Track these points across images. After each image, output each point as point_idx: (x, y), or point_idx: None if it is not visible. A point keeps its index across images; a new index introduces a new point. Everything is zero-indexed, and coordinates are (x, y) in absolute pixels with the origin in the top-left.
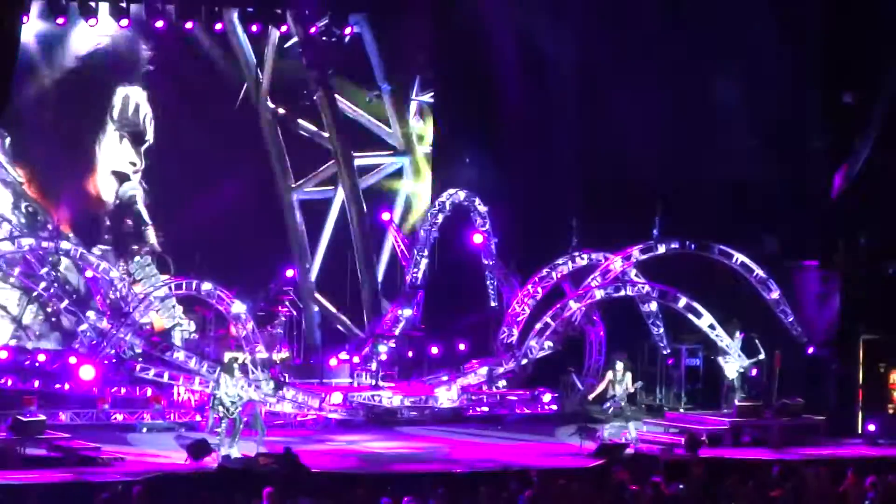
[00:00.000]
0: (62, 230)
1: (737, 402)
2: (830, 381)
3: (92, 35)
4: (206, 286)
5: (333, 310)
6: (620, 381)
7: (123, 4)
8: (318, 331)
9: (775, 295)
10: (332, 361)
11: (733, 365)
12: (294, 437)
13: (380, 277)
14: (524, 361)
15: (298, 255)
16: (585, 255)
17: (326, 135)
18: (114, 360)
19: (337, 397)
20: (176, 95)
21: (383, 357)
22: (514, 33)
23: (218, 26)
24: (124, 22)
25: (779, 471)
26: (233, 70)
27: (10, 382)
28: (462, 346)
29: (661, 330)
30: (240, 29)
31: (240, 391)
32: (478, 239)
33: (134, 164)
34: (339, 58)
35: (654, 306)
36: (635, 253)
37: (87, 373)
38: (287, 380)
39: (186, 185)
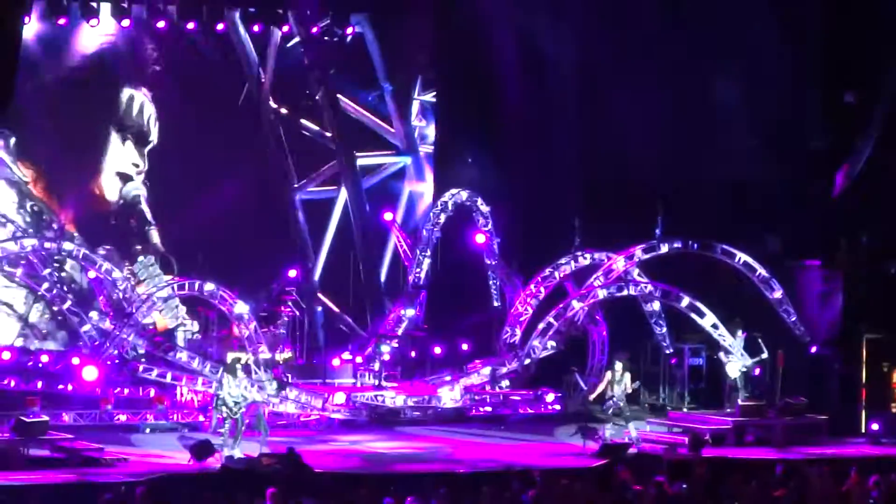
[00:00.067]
0: (67, 229)
1: (740, 402)
2: (833, 380)
3: (95, 36)
4: (209, 286)
5: (336, 310)
6: (619, 381)
7: (125, 5)
8: (321, 331)
9: (778, 294)
10: (335, 361)
11: (736, 364)
12: (297, 437)
13: (382, 277)
14: (527, 361)
15: (301, 255)
16: (588, 255)
17: (328, 134)
18: (117, 361)
19: (340, 397)
20: (178, 96)
21: (386, 357)
22: (514, 33)
23: (220, 26)
24: (125, 23)
25: (782, 470)
26: (235, 70)
27: (13, 383)
28: (465, 346)
29: (664, 329)
30: (241, 29)
31: (243, 391)
32: (480, 239)
33: (137, 166)
34: (340, 58)
35: (656, 306)
36: (638, 252)
37: (90, 373)
38: (290, 380)
39: (189, 185)
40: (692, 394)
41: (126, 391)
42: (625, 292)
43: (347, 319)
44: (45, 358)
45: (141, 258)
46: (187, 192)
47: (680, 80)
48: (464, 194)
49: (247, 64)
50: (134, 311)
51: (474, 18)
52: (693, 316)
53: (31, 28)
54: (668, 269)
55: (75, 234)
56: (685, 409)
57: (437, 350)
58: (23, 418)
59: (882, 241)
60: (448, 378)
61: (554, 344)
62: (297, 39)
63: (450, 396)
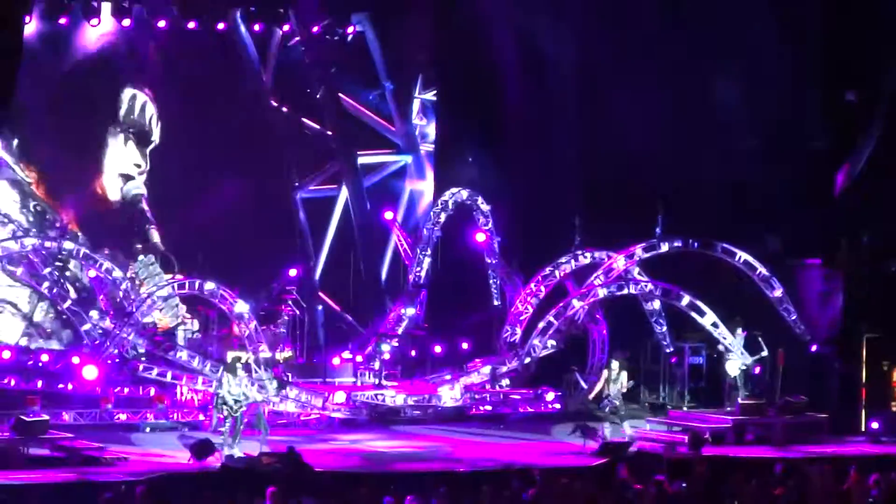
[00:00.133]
0: (71, 229)
1: (740, 401)
2: (833, 379)
3: (96, 36)
4: (210, 285)
5: (337, 308)
6: (615, 379)
7: (126, 4)
8: (322, 330)
9: (778, 293)
10: (336, 360)
11: (735, 362)
12: (297, 436)
13: (383, 276)
14: (527, 360)
15: (302, 254)
16: (588, 254)
17: (329, 133)
18: (117, 360)
19: (340, 396)
20: (178, 95)
21: (386, 356)
22: (515, 32)
23: (221, 26)
24: (126, 22)
25: (782, 469)
26: (235, 69)
27: (13, 382)
28: (465, 345)
29: (664, 328)
30: (242, 28)
31: (244, 390)
32: (481, 238)
33: (139, 166)
34: (341, 57)
35: (657, 304)
36: (638, 251)
37: (90, 373)
38: (290, 379)
39: (189, 184)
40: (692, 392)
41: (126, 390)
42: (625, 291)
43: (348, 318)
44: (45, 357)
45: (141, 257)
46: (188, 191)
47: (680, 80)
48: (464, 193)
49: (248, 63)
50: (134, 310)
51: (475, 18)
52: (693, 315)
53: (33, 27)
54: (669, 268)
55: (79, 234)
56: (685, 408)
57: (438, 349)
58: (23, 417)
59: (882, 241)
60: (448, 377)
61: (554, 343)
62: (298, 38)
63: (450, 395)
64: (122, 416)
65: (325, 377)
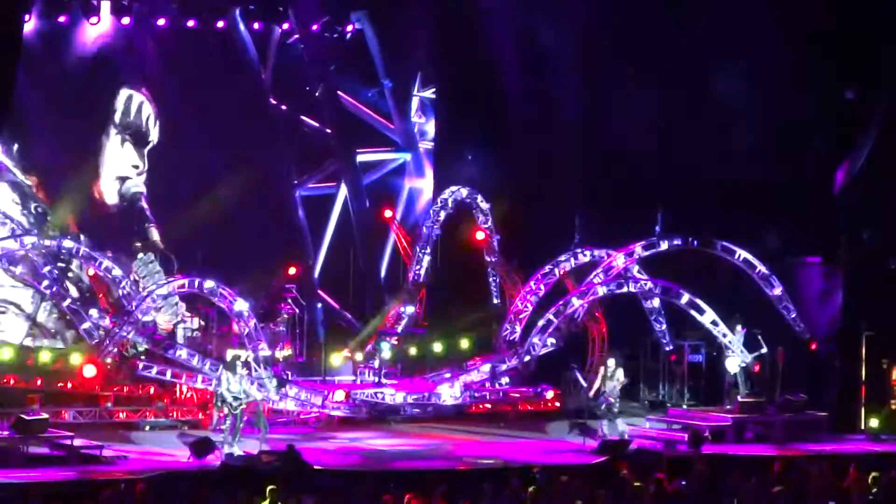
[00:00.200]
0: (72, 231)
1: (740, 399)
2: (833, 377)
3: (95, 36)
4: (209, 284)
5: (336, 307)
6: (611, 376)
7: (125, 2)
8: (321, 328)
9: (778, 291)
10: (335, 359)
11: (735, 360)
12: (297, 434)
13: (382, 274)
14: (527, 358)
15: (301, 252)
16: (588, 252)
17: (328, 131)
18: (117, 359)
19: (340, 395)
20: (177, 93)
21: (386, 354)
22: (514, 30)
23: (220, 24)
24: (126, 20)
25: (781, 467)
26: (235, 67)
27: (12, 381)
28: (465, 343)
29: (664, 326)
30: (242, 26)
31: (245, 387)
32: (480, 236)
33: (137, 167)
34: (340, 54)
35: (656, 303)
36: (638, 249)
37: (90, 371)
38: (290, 377)
39: (188, 182)
40: (692, 390)
41: (126, 389)
42: (624, 289)
43: (347, 316)
44: (44, 356)
45: (141, 255)
46: (186, 188)
47: (680, 78)
48: (464, 191)
49: (247, 61)
50: (134, 308)
51: (474, 15)
52: (693, 313)
53: (32, 25)
54: (668, 266)
55: (81, 237)
56: (685, 406)
57: (437, 347)
58: (23, 416)
59: (883, 238)
60: (448, 375)
61: (554, 341)
62: (297, 36)
63: (450, 394)
64: (122, 415)
65: (325, 375)
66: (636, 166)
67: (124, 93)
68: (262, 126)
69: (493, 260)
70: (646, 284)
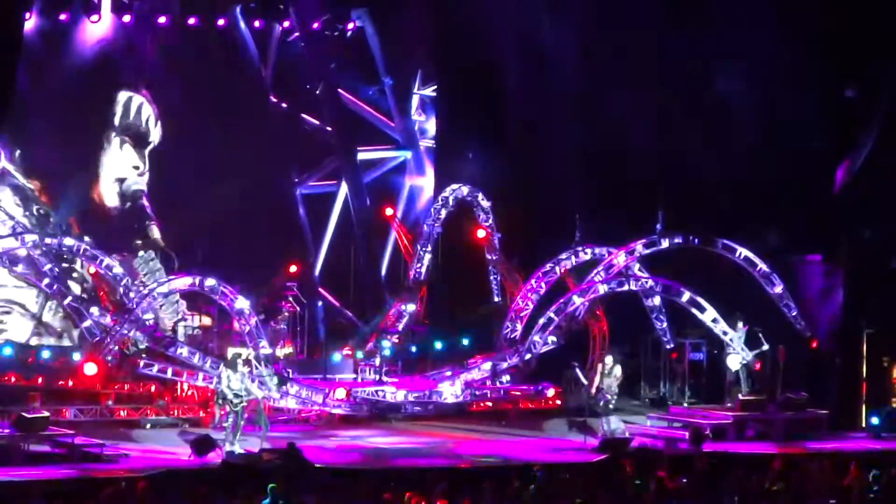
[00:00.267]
0: (75, 232)
1: (741, 397)
2: (834, 375)
3: (95, 37)
4: (210, 282)
5: (337, 304)
6: (608, 373)
7: (126, 0)
8: (322, 326)
9: (779, 289)
10: (336, 357)
11: (736, 358)
12: (297, 432)
13: (383, 272)
14: (528, 356)
15: (302, 250)
16: (589, 250)
17: (329, 129)
18: (117, 357)
19: (340, 393)
20: (178, 91)
21: (387, 352)
22: (515, 27)
23: (221, 22)
24: (126, 18)
25: (782, 465)
26: (235, 65)
27: (13, 379)
28: (465, 341)
29: (665, 324)
30: (242, 24)
31: (245, 385)
32: (481, 234)
33: (137, 168)
34: (341, 52)
35: (657, 301)
36: (639, 247)
37: (91, 369)
38: (290, 375)
39: (189, 180)
40: (692, 388)
41: (127, 387)
42: (625, 287)
43: (348, 314)
44: (45, 353)
45: (141, 253)
46: (188, 187)
47: (681, 76)
48: (465, 189)
49: (248, 59)
50: (134, 306)
51: (474, 13)
52: (694, 311)
53: (33, 25)
54: (669, 264)
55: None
56: (686, 404)
57: (438, 345)
58: (23, 414)
59: (883, 237)
60: (449, 373)
61: (554, 339)
62: (297, 34)
63: (450, 391)
64: (123, 413)
65: (326, 373)
66: (637, 165)
67: (123, 95)
68: (262, 124)
69: (494, 258)
70: (647, 282)
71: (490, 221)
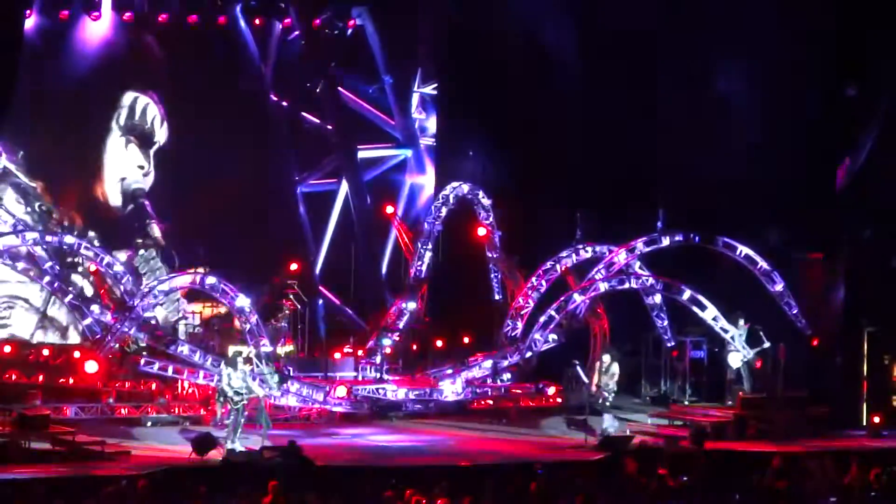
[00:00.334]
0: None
1: (741, 395)
2: (834, 373)
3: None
4: (211, 280)
5: (338, 303)
6: (606, 371)
7: None
8: (323, 324)
9: (779, 287)
10: (337, 355)
11: (737, 356)
12: (298, 430)
13: (384, 270)
14: (528, 354)
15: (302, 248)
16: (590, 248)
17: (329, 127)
18: (118, 355)
19: (341, 391)
20: (178, 90)
21: (388, 350)
22: (516, 25)
23: (221, 20)
24: (127, 16)
25: (783, 463)
26: (235, 64)
27: (14, 377)
28: (466, 339)
29: (666, 322)
30: (242, 22)
31: (247, 383)
32: (481, 232)
33: (142, 168)
34: (341, 50)
35: (658, 299)
36: (639, 245)
37: (92, 367)
38: (291, 373)
39: (190, 178)
40: (693, 386)
41: (127, 384)
42: (626, 285)
43: (349, 312)
44: (46, 351)
45: (142, 252)
46: (189, 185)
47: (682, 75)
48: (465, 187)
49: (248, 57)
50: (135, 304)
51: (475, 11)
52: (694, 309)
53: (33, 24)
54: (670, 262)
55: (90, 233)
56: (686, 402)
57: (439, 343)
58: (24, 412)
59: (884, 235)
60: (450, 371)
61: (555, 337)
62: (297, 32)
63: (451, 389)
64: (124, 411)
65: (327, 371)
66: (638, 164)
67: (129, 95)
68: (262, 123)
69: (495, 256)
70: (647, 280)
71: (491, 219)
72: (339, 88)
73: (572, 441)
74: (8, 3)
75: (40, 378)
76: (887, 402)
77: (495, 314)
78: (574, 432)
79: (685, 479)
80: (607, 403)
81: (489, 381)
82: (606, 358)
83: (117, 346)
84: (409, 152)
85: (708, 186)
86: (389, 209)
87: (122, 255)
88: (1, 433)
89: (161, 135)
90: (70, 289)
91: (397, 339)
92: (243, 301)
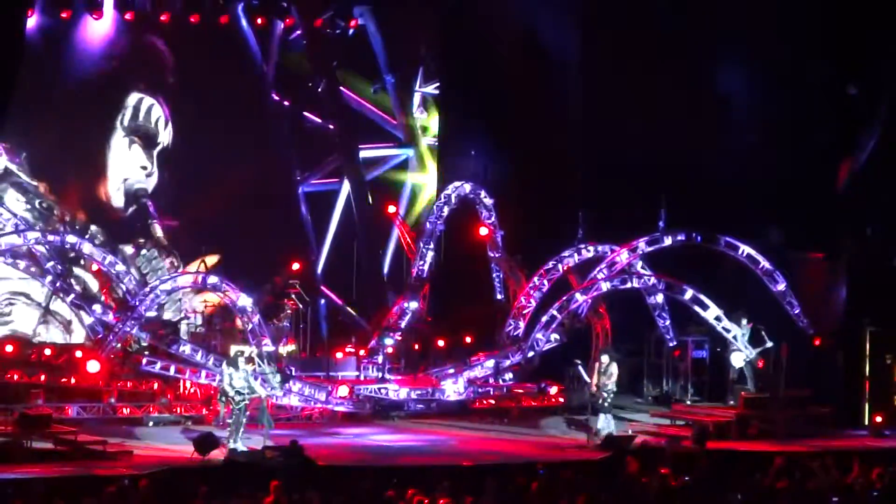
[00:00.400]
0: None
1: (743, 394)
2: (836, 372)
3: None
4: (213, 279)
5: (340, 302)
6: (604, 372)
7: None
8: (325, 323)
9: (781, 287)
10: (339, 355)
11: (739, 355)
12: (300, 430)
13: (385, 270)
14: (530, 354)
15: (304, 247)
16: (592, 248)
17: (331, 127)
18: (120, 354)
19: (343, 390)
20: (180, 89)
21: (389, 350)
22: (518, 24)
23: (223, 19)
24: (128, 16)
25: (785, 462)
26: (237, 63)
27: (16, 377)
28: (468, 339)
29: (668, 322)
30: (244, 22)
31: (249, 383)
32: (483, 231)
33: (145, 168)
34: (343, 50)
35: (660, 298)
36: (641, 245)
37: (94, 366)
38: (293, 373)
39: (192, 178)
40: (695, 386)
41: (129, 384)
42: (628, 285)
43: (350, 312)
44: (47, 351)
45: (144, 251)
46: (189, 185)
47: (683, 74)
48: (467, 187)
49: (250, 57)
50: (137, 304)
51: (476, 10)
52: (696, 308)
53: (34, 24)
54: (672, 262)
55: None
56: (688, 402)
57: (441, 343)
58: (26, 411)
59: (886, 234)
60: (451, 371)
61: (557, 336)
62: (299, 32)
63: (453, 389)
64: (126, 410)
65: (329, 371)
66: (640, 162)
67: (134, 96)
68: (264, 122)
69: (497, 256)
70: (649, 280)
71: (493, 219)
72: (341, 88)
73: (574, 441)
74: (9, 2)
75: (42, 378)
76: (889, 402)
77: (497, 314)
78: (576, 432)
79: (687, 478)
80: (606, 404)
81: (491, 380)
82: (605, 358)
83: (119, 345)
84: (410, 152)
85: (709, 186)
86: (391, 209)
87: (129, 249)
88: (3, 433)
89: (165, 136)
90: (72, 287)
91: (399, 338)
92: (245, 300)
